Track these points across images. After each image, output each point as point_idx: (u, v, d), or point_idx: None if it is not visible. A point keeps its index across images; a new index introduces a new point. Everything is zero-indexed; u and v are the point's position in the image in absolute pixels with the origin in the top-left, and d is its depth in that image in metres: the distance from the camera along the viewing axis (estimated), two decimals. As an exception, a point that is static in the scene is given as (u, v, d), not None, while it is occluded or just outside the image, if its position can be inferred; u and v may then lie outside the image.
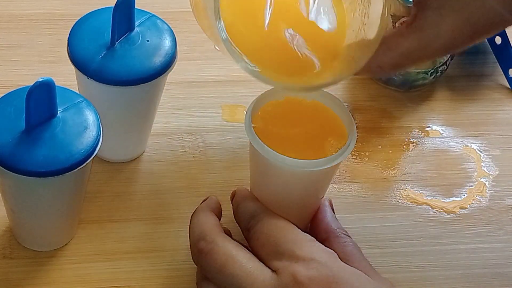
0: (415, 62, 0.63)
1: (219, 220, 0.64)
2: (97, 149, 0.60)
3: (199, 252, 0.60)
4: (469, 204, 0.74)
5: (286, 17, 0.61)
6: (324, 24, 0.62)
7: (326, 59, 0.61)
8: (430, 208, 0.73)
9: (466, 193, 0.74)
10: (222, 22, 0.57)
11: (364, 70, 0.60)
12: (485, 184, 0.75)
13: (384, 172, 0.75)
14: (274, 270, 0.59)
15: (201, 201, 0.65)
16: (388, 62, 0.61)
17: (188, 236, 0.62)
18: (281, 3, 0.61)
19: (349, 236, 0.64)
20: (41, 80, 0.56)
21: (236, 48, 0.58)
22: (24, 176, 0.57)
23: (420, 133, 0.78)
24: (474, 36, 0.60)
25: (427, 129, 0.79)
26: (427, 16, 0.59)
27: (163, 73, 0.65)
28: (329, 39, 0.62)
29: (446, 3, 0.58)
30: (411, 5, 0.63)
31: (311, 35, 0.61)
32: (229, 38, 0.57)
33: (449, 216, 0.73)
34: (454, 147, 0.77)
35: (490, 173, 0.76)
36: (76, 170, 0.58)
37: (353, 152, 0.75)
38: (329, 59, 0.61)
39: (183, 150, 0.74)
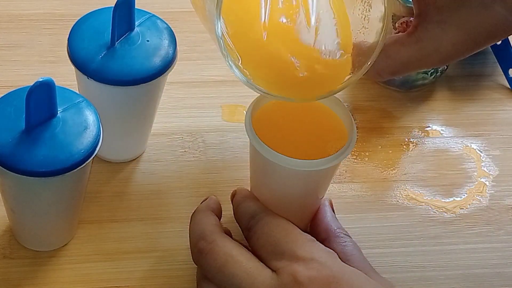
0: (414, 70, 0.63)
1: (219, 220, 0.64)
2: (97, 149, 0.60)
3: (199, 252, 0.60)
4: (469, 204, 0.74)
5: (283, 33, 0.60)
6: (326, 33, 0.61)
7: (324, 71, 0.61)
8: (430, 208, 0.73)
9: (466, 193, 0.74)
10: (222, 21, 0.56)
11: (364, 75, 0.60)
12: (485, 184, 0.75)
13: (384, 172, 0.75)
14: (274, 270, 0.59)
15: (201, 201, 0.65)
16: (386, 70, 0.61)
17: (188, 236, 0.62)
18: (278, 16, 0.60)
19: (349, 236, 0.64)
20: (41, 80, 0.56)
21: (233, 48, 0.58)
22: (24, 176, 0.57)
23: (420, 133, 0.78)
24: (475, 47, 0.60)
25: (427, 129, 0.79)
26: (428, 29, 0.59)
27: (163, 73, 0.65)
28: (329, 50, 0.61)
29: (448, 18, 0.58)
30: (411, 5, 0.63)
31: (307, 52, 0.60)
32: (227, 38, 0.57)
33: (449, 216, 0.73)
34: (454, 147, 0.77)
35: (490, 173, 0.76)
36: (76, 170, 0.58)
37: (353, 152, 0.75)
38: (328, 70, 0.61)
39: (183, 150, 0.74)
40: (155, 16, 0.67)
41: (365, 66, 0.59)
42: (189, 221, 0.63)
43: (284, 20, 0.59)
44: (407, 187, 0.74)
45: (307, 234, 0.62)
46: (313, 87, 0.60)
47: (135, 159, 0.73)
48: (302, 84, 0.60)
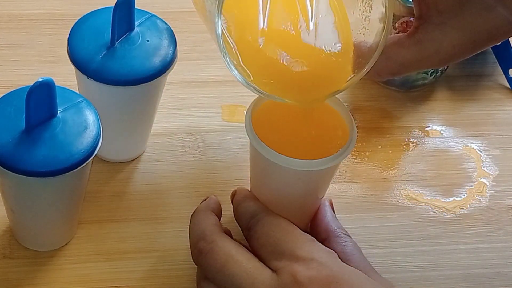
0: (414, 71, 0.63)
1: (219, 220, 0.64)
2: (97, 149, 0.60)
3: (199, 252, 0.60)
4: (469, 204, 0.74)
5: (283, 36, 0.60)
6: (326, 36, 0.61)
7: (325, 73, 0.61)
8: (430, 208, 0.73)
9: (466, 193, 0.74)
10: (222, 20, 0.57)
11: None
12: (485, 184, 0.75)
13: (384, 172, 0.75)
14: (274, 270, 0.59)
15: (201, 201, 0.65)
16: (386, 70, 0.61)
17: (188, 236, 0.62)
18: (279, 20, 0.60)
19: (349, 236, 0.64)
20: (41, 80, 0.56)
21: (234, 49, 0.58)
22: (24, 176, 0.57)
23: (420, 133, 0.78)
24: (475, 49, 0.60)
25: (427, 129, 0.79)
26: (429, 31, 0.59)
27: (163, 73, 0.65)
28: (328, 54, 0.61)
29: (448, 20, 0.58)
30: (411, 5, 0.63)
31: (307, 54, 0.61)
32: (227, 37, 0.57)
33: (449, 216, 0.73)
34: (454, 147, 0.77)
35: (490, 173, 0.76)
36: (76, 170, 0.58)
37: (353, 152, 0.75)
38: (328, 72, 0.61)
39: (183, 150, 0.74)
40: (155, 16, 0.67)
41: (366, 67, 0.59)
42: (189, 221, 0.63)
43: (284, 25, 0.59)
44: (407, 187, 0.74)
45: (307, 234, 0.62)
46: (314, 89, 0.60)
47: (135, 159, 0.73)
48: (302, 86, 0.60)
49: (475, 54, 0.60)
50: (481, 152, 0.77)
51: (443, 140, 0.78)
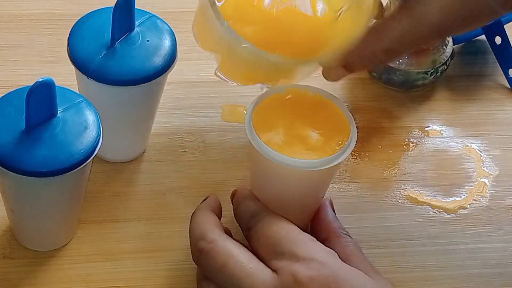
0: (408, 46, 0.63)
1: (219, 219, 0.64)
2: (97, 149, 0.60)
3: (199, 252, 0.60)
4: (469, 204, 0.74)
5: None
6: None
7: (319, 39, 0.62)
8: (430, 208, 0.73)
9: (466, 193, 0.74)
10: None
11: (358, 58, 0.61)
12: (485, 184, 0.75)
13: (384, 172, 0.75)
14: (274, 270, 0.59)
15: (201, 201, 0.65)
16: (381, 48, 0.61)
17: (188, 236, 0.62)
18: None
19: (349, 236, 0.64)
20: (41, 80, 0.56)
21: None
22: (24, 176, 0.57)
23: (420, 133, 0.78)
24: (465, 17, 0.59)
25: (427, 129, 0.79)
26: None
27: (163, 73, 0.65)
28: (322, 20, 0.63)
29: None
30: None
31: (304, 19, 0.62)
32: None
33: (449, 216, 0.73)
34: (454, 147, 0.77)
35: (490, 173, 0.76)
36: (76, 170, 0.58)
37: (353, 152, 0.75)
38: (323, 38, 0.62)
39: (183, 150, 0.74)
40: (155, 16, 0.67)
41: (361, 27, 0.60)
42: (189, 221, 0.63)
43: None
44: (407, 187, 0.74)
45: (307, 234, 0.62)
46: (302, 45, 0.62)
47: (135, 159, 0.73)
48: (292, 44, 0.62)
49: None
50: (481, 152, 0.77)
51: (443, 140, 0.78)
